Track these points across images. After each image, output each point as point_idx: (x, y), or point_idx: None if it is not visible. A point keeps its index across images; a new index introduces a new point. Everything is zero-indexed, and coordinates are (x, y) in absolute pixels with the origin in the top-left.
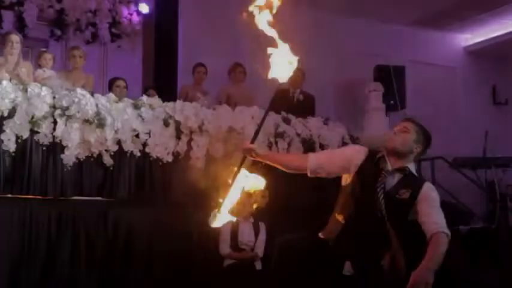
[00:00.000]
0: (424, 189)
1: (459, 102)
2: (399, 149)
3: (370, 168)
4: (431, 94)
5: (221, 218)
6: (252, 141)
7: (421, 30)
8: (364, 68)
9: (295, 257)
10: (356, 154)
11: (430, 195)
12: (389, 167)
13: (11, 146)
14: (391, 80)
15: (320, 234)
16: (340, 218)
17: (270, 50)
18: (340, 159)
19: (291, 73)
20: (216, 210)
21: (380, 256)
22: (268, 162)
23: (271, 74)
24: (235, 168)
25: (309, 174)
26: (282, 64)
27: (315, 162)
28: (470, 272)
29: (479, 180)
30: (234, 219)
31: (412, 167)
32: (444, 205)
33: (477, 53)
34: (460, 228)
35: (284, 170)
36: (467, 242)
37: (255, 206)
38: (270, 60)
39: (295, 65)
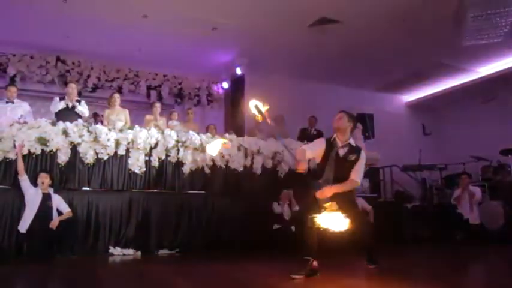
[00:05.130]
0: (362, 154)
1: (404, 133)
2: (341, 127)
3: (330, 146)
4: (389, 129)
5: None
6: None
7: (382, 93)
8: None
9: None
10: (323, 141)
11: (364, 158)
12: (339, 143)
13: (155, 164)
14: (366, 122)
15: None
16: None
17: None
18: (319, 145)
19: None
20: None
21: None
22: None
23: None
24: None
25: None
26: None
27: (309, 153)
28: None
29: (417, 178)
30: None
31: (351, 141)
32: (397, 193)
33: (412, 105)
34: (407, 205)
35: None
36: (411, 212)
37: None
38: None
39: None
